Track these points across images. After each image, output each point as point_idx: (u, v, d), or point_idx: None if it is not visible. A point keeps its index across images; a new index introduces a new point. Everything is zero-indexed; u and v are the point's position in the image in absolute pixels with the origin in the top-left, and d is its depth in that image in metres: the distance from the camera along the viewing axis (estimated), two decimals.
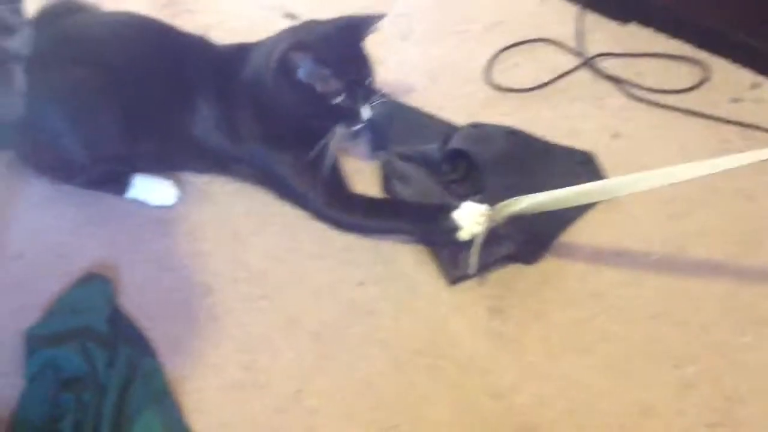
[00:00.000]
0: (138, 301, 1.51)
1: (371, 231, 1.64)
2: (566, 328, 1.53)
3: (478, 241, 1.53)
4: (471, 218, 1.54)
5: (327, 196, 1.64)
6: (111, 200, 1.65)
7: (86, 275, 1.52)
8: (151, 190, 1.66)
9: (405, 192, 1.70)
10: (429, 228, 1.61)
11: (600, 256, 1.63)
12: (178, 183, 1.68)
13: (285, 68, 1.55)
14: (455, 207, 1.56)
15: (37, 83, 1.31)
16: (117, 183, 1.65)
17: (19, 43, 1.21)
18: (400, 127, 1.80)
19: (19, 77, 1.21)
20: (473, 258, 1.53)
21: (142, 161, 1.66)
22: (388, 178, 1.73)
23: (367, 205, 1.66)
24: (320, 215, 1.66)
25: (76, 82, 1.53)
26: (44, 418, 1.30)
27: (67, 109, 1.54)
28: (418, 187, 1.70)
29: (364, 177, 1.74)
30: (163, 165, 1.70)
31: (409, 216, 1.63)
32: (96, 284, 1.50)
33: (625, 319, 1.54)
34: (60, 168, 1.62)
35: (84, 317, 1.42)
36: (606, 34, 2.03)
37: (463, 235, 1.55)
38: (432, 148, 1.76)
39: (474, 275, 1.57)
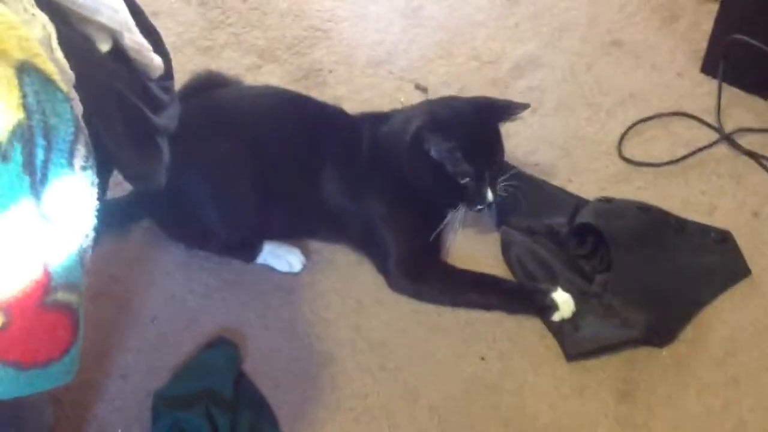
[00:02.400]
0: (262, 367, 1.53)
1: (459, 304, 1.64)
2: (699, 417, 1.45)
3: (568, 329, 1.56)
4: (567, 303, 1.56)
5: (416, 264, 1.66)
6: (241, 266, 1.70)
7: (214, 339, 1.56)
8: (279, 257, 1.70)
9: (526, 267, 1.67)
10: (521, 306, 1.61)
11: (737, 341, 1.56)
12: (305, 251, 1.71)
13: (418, 144, 1.59)
14: (552, 289, 1.58)
15: (181, 155, 1.38)
16: (247, 250, 1.70)
17: (168, 118, 1.28)
18: (527, 200, 1.78)
19: (166, 149, 1.28)
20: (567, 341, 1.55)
21: (273, 228, 1.70)
22: (510, 252, 1.70)
23: (459, 277, 1.66)
24: (399, 283, 1.66)
25: (220, 156, 1.60)
26: None
27: (209, 181, 1.61)
28: (542, 262, 1.67)
29: (487, 250, 1.72)
30: (291, 232, 1.74)
31: (503, 292, 1.63)
32: (223, 349, 1.53)
33: (764, 407, 1.46)
34: (196, 235, 1.69)
35: (210, 381, 1.45)
36: (745, 109, 1.96)
37: (556, 317, 1.56)
38: (559, 222, 1.73)
39: (594, 354, 1.52)
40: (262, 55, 2.16)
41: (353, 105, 1.90)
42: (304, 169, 1.66)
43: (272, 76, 2.10)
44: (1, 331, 0.82)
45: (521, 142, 1.92)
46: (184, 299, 1.64)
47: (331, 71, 2.14)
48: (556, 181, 1.84)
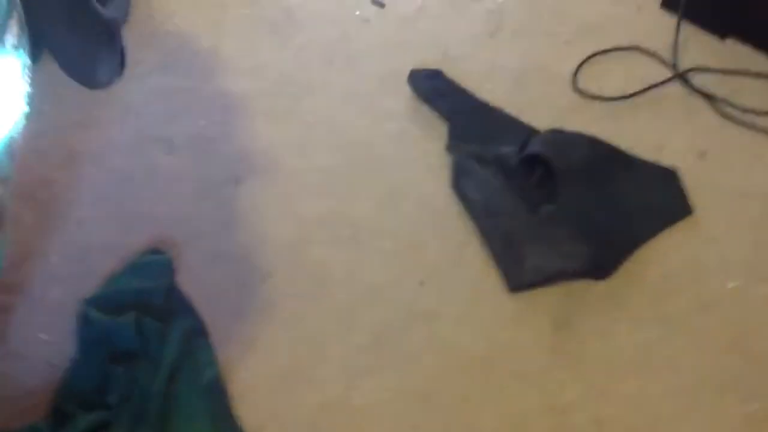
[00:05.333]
0: (195, 280, 1.49)
1: None
2: (632, 350, 1.46)
3: None
4: None
5: None
6: (176, 172, 1.64)
7: (147, 249, 1.51)
8: None
9: (473, 192, 1.65)
10: None
11: (672, 279, 1.55)
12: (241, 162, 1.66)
13: None
14: None
15: None
16: None
17: (116, 9, 1.19)
18: (478, 126, 1.75)
19: (120, 47, 1.20)
20: None
21: None
22: (458, 177, 1.68)
23: None
24: None
25: None
26: (92, 390, 1.30)
27: None
28: (489, 190, 1.65)
29: (436, 173, 1.69)
30: None
31: None
32: (156, 258, 1.49)
33: (694, 346, 1.47)
34: None
35: (141, 290, 1.42)
36: (703, 48, 1.93)
37: None
38: (509, 151, 1.70)
39: (536, 285, 1.51)
40: None
41: (303, 15, 1.85)
42: None
43: None
44: None
45: (476, 66, 1.87)
46: (121, 204, 1.58)
47: None
48: (509, 109, 1.80)
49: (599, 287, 1.53)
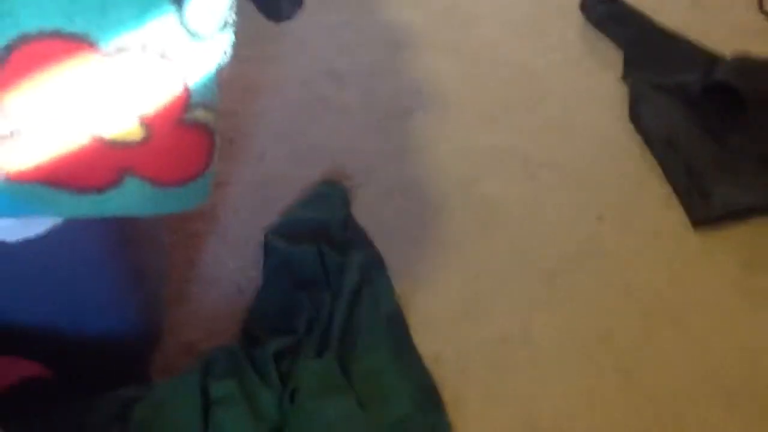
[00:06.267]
0: (370, 212, 1.49)
1: None
2: None
3: None
4: None
5: None
6: (348, 105, 1.63)
7: (324, 181, 1.52)
8: None
9: (652, 123, 1.57)
10: None
11: None
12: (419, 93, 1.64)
13: None
14: None
15: None
16: None
17: None
18: (657, 53, 1.66)
19: None
20: None
21: None
22: (636, 107, 1.61)
23: None
24: None
25: None
26: (279, 315, 1.32)
27: None
28: (669, 120, 1.57)
29: (612, 104, 1.62)
30: None
31: None
32: (333, 191, 1.50)
33: None
34: None
35: (320, 221, 1.43)
36: None
37: None
38: (691, 79, 1.61)
39: (723, 218, 1.43)
40: None
41: None
42: None
43: None
44: (141, 145, 0.79)
45: None
46: (296, 136, 1.59)
47: None
48: (689, 35, 1.71)
49: None
